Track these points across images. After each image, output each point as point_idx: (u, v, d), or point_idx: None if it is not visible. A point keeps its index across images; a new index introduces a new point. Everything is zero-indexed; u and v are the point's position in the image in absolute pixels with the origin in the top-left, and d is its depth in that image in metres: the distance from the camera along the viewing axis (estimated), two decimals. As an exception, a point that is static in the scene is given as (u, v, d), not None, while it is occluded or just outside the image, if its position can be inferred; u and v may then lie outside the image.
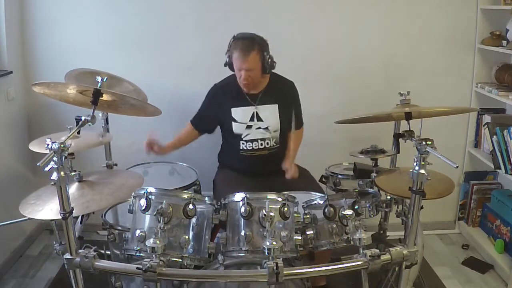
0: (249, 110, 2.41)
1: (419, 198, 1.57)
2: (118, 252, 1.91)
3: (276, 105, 2.43)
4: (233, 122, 2.41)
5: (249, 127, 2.41)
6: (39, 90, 1.77)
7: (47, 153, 1.37)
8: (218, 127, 2.54)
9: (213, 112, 2.48)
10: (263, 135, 2.41)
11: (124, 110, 1.97)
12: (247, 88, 2.36)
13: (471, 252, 2.97)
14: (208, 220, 1.71)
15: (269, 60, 2.29)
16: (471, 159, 3.12)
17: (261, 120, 2.41)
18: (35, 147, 1.87)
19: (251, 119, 2.41)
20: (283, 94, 2.47)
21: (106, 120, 2.41)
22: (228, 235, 1.67)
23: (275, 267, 1.40)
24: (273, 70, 2.46)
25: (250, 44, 2.25)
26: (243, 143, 2.41)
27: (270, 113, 2.43)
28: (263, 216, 1.54)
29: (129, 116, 2.61)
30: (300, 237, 1.68)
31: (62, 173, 1.37)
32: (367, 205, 2.03)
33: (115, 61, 2.82)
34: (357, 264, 1.50)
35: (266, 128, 2.42)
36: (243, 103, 2.42)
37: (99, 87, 1.69)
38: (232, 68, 2.35)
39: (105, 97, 1.72)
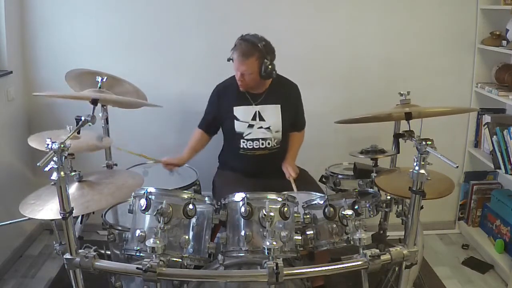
0: (251, 109, 2.42)
1: (419, 198, 1.57)
2: (118, 252, 1.90)
3: (279, 106, 2.44)
4: (235, 121, 2.42)
5: (251, 126, 2.41)
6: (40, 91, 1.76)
7: (46, 153, 1.37)
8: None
9: (215, 112, 2.49)
10: (264, 135, 2.42)
11: (126, 102, 1.94)
12: (241, 87, 2.37)
13: (471, 252, 2.97)
14: (208, 220, 1.71)
15: (269, 67, 2.27)
16: (471, 159, 3.12)
17: (263, 120, 2.42)
18: (34, 142, 1.86)
19: (253, 118, 2.41)
20: (286, 95, 2.47)
21: (106, 120, 2.41)
22: (228, 235, 1.67)
23: (275, 267, 1.40)
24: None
25: (251, 49, 2.25)
26: (243, 142, 2.41)
27: (272, 113, 2.43)
28: (263, 216, 1.54)
29: (129, 116, 2.62)
30: (300, 237, 1.68)
31: (62, 173, 1.37)
32: (367, 205, 2.03)
33: (115, 61, 2.82)
34: (357, 264, 1.50)
35: (268, 128, 2.42)
36: (245, 102, 2.42)
37: (99, 87, 1.70)
38: None
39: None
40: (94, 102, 1.80)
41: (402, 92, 1.85)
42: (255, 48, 2.25)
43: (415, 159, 1.53)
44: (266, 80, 2.36)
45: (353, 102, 2.97)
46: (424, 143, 1.51)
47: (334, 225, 1.71)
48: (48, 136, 1.43)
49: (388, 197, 2.17)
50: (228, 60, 2.33)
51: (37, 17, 2.84)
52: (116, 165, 2.51)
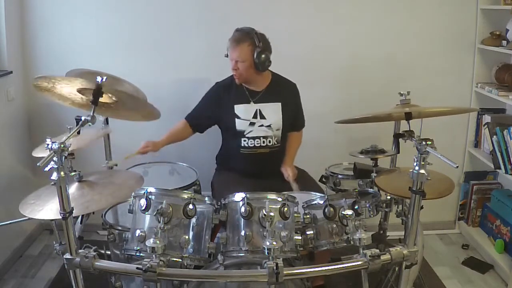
0: (252, 108, 2.42)
1: (419, 198, 1.57)
2: (118, 252, 1.90)
3: (279, 104, 2.44)
4: (236, 119, 2.42)
5: (252, 124, 2.41)
6: (40, 82, 1.75)
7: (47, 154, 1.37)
8: (210, 128, 2.54)
9: (213, 109, 2.48)
10: (265, 133, 2.42)
11: (123, 114, 1.96)
12: (237, 79, 2.38)
13: (471, 252, 2.97)
14: (208, 220, 1.71)
15: (262, 56, 2.28)
16: (471, 159, 3.12)
17: (264, 118, 2.42)
18: (38, 153, 1.85)
19: (254, 116, 2.42)
20: (285, 93, 2.48)
21: (106, 120, 2.41)
22: (228, 235, 1.67)
23: (275, 267, 1.40)
24: (275, 71, 2.47)
25: (243, 36, 2.30)
26: (244, 140, 2.42)
27: (273, 111, 2.43)
28: (263, 216, 1.54)
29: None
30: (300, 237, 1.68)
31: (62, 173, 1.37)
32: (367, 205, 2.03)
33: (115, 61, 2.83)
34: (357, 264, 1.50)
35: (269, 126, 2.42)
36: (243, 100, 2.43)
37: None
38: None
39: (104, 98, 1.71)
40: (94, 102, 1.80)
41: (402, 92, 1.85)
42: (247, 35, 2.30)
43: (415, 159, 1.53)
44: (261, 72, 2.36)
45: (353, 102, 2.97)
46: (424, 143, 1.51)
47: (334, 225, 1.71)
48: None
49: (388, 197, 2.16)
50: (226, 56, 2.35)
51: (37, 17, 2.84)
52: (116, 165, 2.51)
